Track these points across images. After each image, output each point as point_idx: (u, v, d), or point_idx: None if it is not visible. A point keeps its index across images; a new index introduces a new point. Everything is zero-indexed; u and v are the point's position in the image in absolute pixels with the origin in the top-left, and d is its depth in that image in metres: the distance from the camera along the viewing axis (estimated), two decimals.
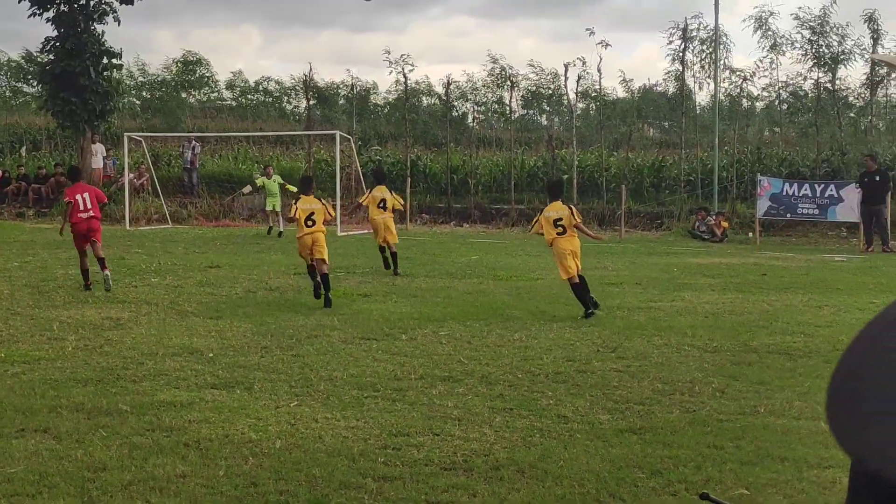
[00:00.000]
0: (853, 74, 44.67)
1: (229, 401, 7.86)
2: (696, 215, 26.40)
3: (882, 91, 32.85)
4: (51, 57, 31.49)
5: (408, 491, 5.77)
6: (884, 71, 29.72)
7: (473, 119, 38.83)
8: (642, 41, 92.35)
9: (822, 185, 24.48)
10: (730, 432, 7.00)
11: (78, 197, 14.42)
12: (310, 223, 13.62)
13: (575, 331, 11.13)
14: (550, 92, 40.71)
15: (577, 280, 12.30)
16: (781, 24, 79.44)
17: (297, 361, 9.37)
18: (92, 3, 31.40)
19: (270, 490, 5.76)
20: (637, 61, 69.70)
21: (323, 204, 14.11)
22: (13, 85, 49.47)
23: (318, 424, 7.16)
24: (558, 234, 12.37)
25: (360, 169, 29.08)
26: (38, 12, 31.01)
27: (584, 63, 31.18)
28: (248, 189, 27.92)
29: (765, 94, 34.82)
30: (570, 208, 12.66)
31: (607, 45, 31.73)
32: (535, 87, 40.43)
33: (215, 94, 49.08)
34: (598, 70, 31.78)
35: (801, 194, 24.36)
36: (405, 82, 33.17)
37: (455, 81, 38.23)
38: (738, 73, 32.09)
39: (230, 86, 49.12)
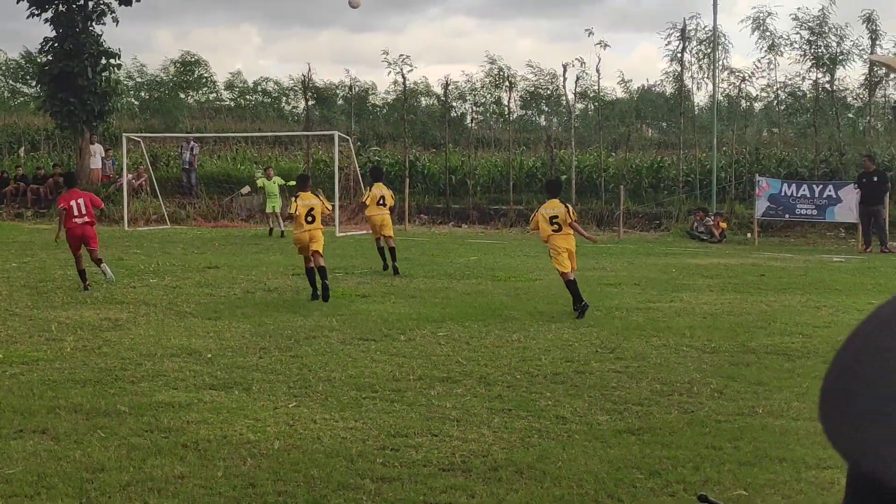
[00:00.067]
0: (852, 75, 44.77)
1: (228, 401, 7.85)
2: (695, 216, 26.40)
3: (880, 92, 32.88)
4: (49, 57, 31.48)
5: (406, 492, 5.77)
6: (882, 72, 29.74)
7: (472, 119, 38.84)
8: (641, 41, 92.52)
9: (821, 186, 24.48)
10: (728, 433, 7.00)
11: (73, 203, 14.56)
12: (310, 219, 13.90)
13: (573, 331, 11.14)
14: (549, 92, 40.72)
15: (571, 277, 12.41)
16: (780, 25, 79.59)
17: (295, 362, 9.37)
18: (90, 3, 31.40)
19: (269, 491, 5.76)
20: (636, 62, 69.78)
21: (321, 199, 14.33)
22: (12, 85, 49.47)
23: (316, 425, 7.16)
24: (554, 230, 12.47)
25: (358, 169, 29.07)
26: (36, 13, 31.01)
27: (582, 63, 31.21)
28: (246, 189, 27.92)
29: (763, 94, 34.86)
30: (566, 206, 12.74)
31: (606, 45, 31.81)
32: (533, 88, 40.43)
33: (214, 95, 49.11)
34: (597, 70, 31.87)
35: (799, 195, 24.37)
36: (404, 83, 33.18)
37: (454, 82, 38.32)
38: (736, 73, 32.13)
39: (229, 86, 49.16)
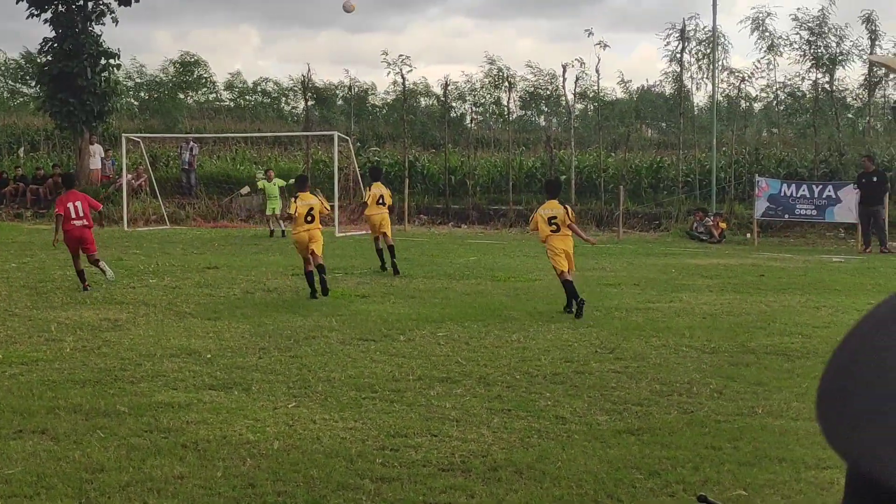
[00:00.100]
0: (851, 75, 44.77)
1: (227, 402, 7.85)
2: (694, 216, 26.40)
3: (880, 92, 32.89)
4: (49, 58, 31.48)
5: (405, 492, 5.77)
6: (881, 72, 29.75)
7: (471, 120, 38.83)
8: (641, 42, 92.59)
9: (820, 186, 24.48)
10: (727, 433, 7.00)
11: (70, 205, 14.56)
12: (309, 219, 14.01)
13: (573, 332, 11.14)
14: (548, 93, 40.72)
15: (568, 277, 12.43)
16: (779, 26, 79.62)
17: (294, 362, 9.37)
18: (90, 4, 31.40)
19: (268, 491, 5.76)
20: (636, 62, 69.80)
21: (319, 199, 14.39)
22: (11, 85, 49.47)
23: (315, 425, 7.16)
24: (552, 231, 12.49)
25: (358, 170, 29.07)
26: (35, 13, 31.01)
27: (582, 64, 31.22)
28: (246, 190, 27.90)
29: (763, 94, 34.86)
30: (566, 208, 12.75)
31: (606, 45, 31.78)
32: (533, 88, 40.43)
33: (213, 95, 49.11)
34: (597, 71, 31.81)
35: (798, 195, 24.37)
36: (403, 83, 33.16)
37: (454, 82, 38.32)
38: (736, 73, 32.14)
39: (229, 86, 49.17)
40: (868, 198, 23.10)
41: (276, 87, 49.44)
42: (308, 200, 14.14)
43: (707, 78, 31.89)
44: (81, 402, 7.73)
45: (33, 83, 40.73)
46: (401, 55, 34.22)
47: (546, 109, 43.87)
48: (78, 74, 30.57)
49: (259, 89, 49.67)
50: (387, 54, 41.19)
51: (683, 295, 14.25)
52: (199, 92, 48.40)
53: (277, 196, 25.05)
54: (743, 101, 34.45)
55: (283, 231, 24.11)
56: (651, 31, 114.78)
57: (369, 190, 17.98)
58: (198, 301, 13.37)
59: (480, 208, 29.89)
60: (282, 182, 25.59)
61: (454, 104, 39.00)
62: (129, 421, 7.23)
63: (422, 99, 44.19)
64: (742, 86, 32.39)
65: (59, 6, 31.02)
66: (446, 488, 5.84)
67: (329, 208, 15.34)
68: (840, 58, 29.94)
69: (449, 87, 35.05)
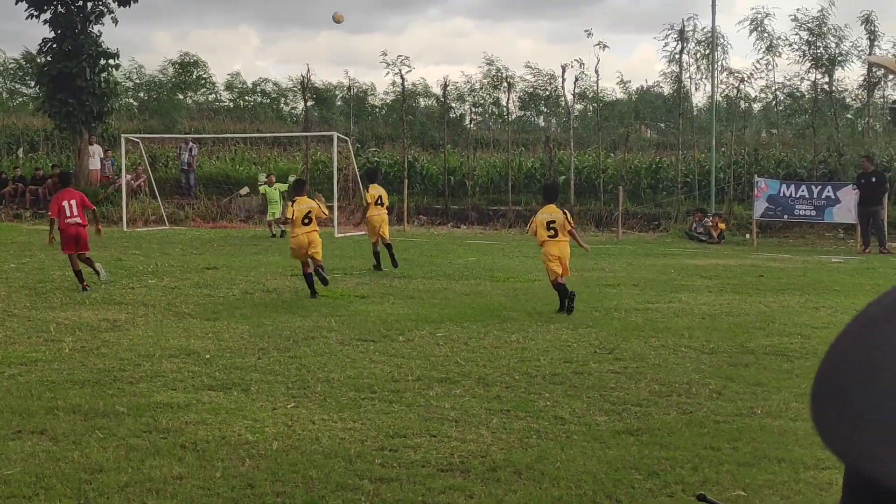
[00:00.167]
0: (850, 76, 44.79)
1: (226, 402, 7.85)
2: (694, 217, 26.40)
3: (879, 92, 32.92)
4: (48, 58, 31.48)
5: (404, 492, 5.77)
6: (880, 73, 29.76)
7: (471, 120, 38.85)
8: (641, 42, 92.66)
9: (819, 187, 24.48)
10: (727, 434, 7.00)
11: (64, 203, 14.60)
12: (306, 221, 14.00)
13: (572, 332, 11.13)
14: (548, 93, 40.73)
15: (561, 281, 12.47)
16: (778, 26, 79.61)
17: (293, 363, 9.37)
18: (89, 4, 31.40)
19: (267, 492, 5.76)
20: (635, 62, 69.80)
21: (317, 203, 14.39)
22: (10, 86, 49.45)
23: (314, 426, 7.16)
24: (550, 236, 12.46)
25: (357, 170, 29.06)
26: (35, 14, 31.01)
27: (581, 64, 31.22)
28: (245, 190, 27.91)
29: (762, 95, 34.88)
30: (565, 213, 12.71)
31: (605, 46, 31.77)
32: (532, 89, 40.44)
33: (213, 96, 49.11)
34: (596, 71, 31.78)
35: (798, 196, 24.38)
36: (402, 84, 33.15)
37: (453, 83, 38.31)
38: (735, 74, 32.15)
39: (228, 87, 49.16)
40: (867, 198, 23.11)
41: (275, 87, 49.49)
42: (305, 204, 14.17)
43: (706, 78, 31.94)
44: (80, 403, 7.73)
45: (33, 83, 40.75)
46: (400, 56, 34.21)
47: (545, 110, 43.89)
48: (77, 75, 30.57)
49: (258, 90, 49.69)
50: (386, 55, 41.21)
51: (682, 295, 14.25)
52: (199, 92, 48.40)
53: (278, 201, 25.06)
54: (742, 102, 34.45)
55: (282, 232, 24.11)
56: (651, 32, 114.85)
57: (367, 192, 18.06)
58: (197, 301, 13.37)
59: (479, 209, 29.89)
60: (283, 187, 25.59)
61: (453, 105, 39.04)
62: (127, 421, 7.23)
63: (421, 99, 44.22)
64: (741, 86, 32.43)
65: (59, 7, 31.02)
66: (445, 489, 5.84)
67: (327, 213, 15.34)
68: (839, 58, 29.97)
69: (448, 88, 35.08)
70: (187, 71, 47.04)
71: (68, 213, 14.55)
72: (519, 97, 39.49)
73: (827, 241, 25.19)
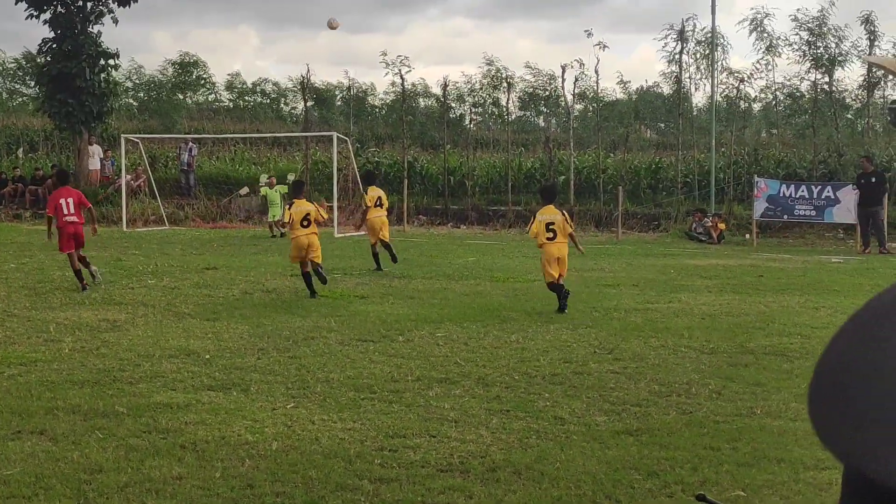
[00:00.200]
0: (850, 76, 44.76)
1: (226, 403, 7.85)
2: (693, 217, 26.40)
3: (879, 93, 32.91)
4: (48, 58, 31.47)
5: (404, 493, 5.77)
6: (880, 73, 29.76)
7: (470, 120, 38.84)
8: (640, 42, 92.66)
9: (819, 187, 24.48)
10: (726, 434, 7.00)
11: (61, 201, 14.60)
12: (305, 223, 14.02)
13: (572, 332, 11.13)
14: (548, 93, 40.72)
15: (558, 282, 12.48)
16: (778, 26, 79.66)
17: (293, 363, 9.37)
18: (89, 4, 31.40)
19: (267, 492, 5.76)
20: (635, 62, 69.78)
21: (315, 206, 14.42)
22: (10, 86, 49.44)
23: (314, 426, 7.15)
24: (548, 238, 12.45)
25: (357, 170, 29.06)
26: (35, 14, 31.00)
27: (581, 64, 31.23)
28: (245, 191, 27.91)
29: (762, 95, 34.87)
30: (564, 214, 12.70)
31: (605, 46, 31.78)
32: (532, 89, 40.43)
33: (212, 96, 49.10)
34: (596, 71, 31.79)
35: (797, 196, 24.38)
36: (402, 84, 33.15)
37: (453, 83, 38.29)
38: (735, 74, 32.14)
39: (228, 87, 49.14)
40: (867, 198, 23.11)
41: (275, 87, 49.47)
42: (304, 206, 14.19)
43: (706, 78, 31.94)
44: (80, 403, 7.73)
45: (32, 84, 40.73)
46: (399, 56, 34.22)
47: (545, 110, 43.87)
48: (77, 75, 30.56)
49: (258, 90, 49.66)
50: (386, 55, 41.21)
51: (682, 295, 14.25)
52: (198, 92, 48.37)
53: (278, 203, 25.06)
54: (742, 102, 34.44)
55: (282, 232, 24.11)
56: (650, 32, 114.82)
57: (366, 194, 18.08)
58: (196, 302, 13.37)
59: (479, 209, 29.89)
60: (284, 189, 25.59)
61: (453, 105, 39.01)
62: (127, 421, 7.22)
63: (421, 99, 44.19)
64: (741, 86, 32.42)
65: (59, 7, 31.02)
66: (445, 489, 5.84)
67: (326, 216, 15.37)
68: (839, 58, 29.97)
69: (448, 88, 35.06)
70: (187, 71, 47.01)
71: (65, 211, 14.53)
72: (519, 97, 39.49)
73: (827, 242, 25.19)
